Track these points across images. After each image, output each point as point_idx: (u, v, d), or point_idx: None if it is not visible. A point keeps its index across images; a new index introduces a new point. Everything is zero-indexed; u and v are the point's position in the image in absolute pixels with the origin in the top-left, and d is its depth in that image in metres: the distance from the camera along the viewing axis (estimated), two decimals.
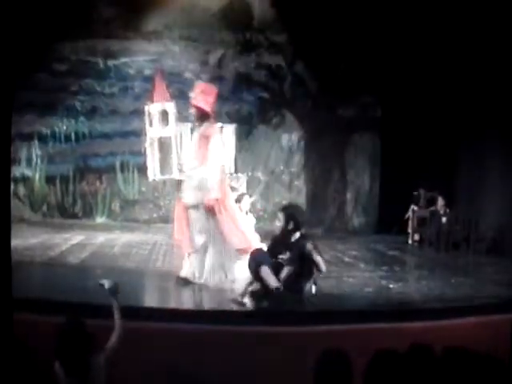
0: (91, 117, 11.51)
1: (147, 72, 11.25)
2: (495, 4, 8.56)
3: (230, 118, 11.20)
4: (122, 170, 11.45)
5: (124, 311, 3.82)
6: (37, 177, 11.34)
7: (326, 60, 11.42)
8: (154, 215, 11.40)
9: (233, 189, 9.55)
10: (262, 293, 5.45)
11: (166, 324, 4.87)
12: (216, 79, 11.22)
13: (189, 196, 6.17)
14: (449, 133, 10.46)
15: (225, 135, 9.92)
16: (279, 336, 4.89)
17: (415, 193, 10.41)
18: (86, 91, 11.46)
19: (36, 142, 11.30)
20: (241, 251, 6.10)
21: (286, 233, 5.53)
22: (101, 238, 9.39)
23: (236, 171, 10.00)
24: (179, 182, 6.32)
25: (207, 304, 5.89)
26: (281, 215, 5.57)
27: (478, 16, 8.99)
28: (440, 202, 10.13)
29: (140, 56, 11.53)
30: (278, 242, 5.63)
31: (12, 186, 9.97)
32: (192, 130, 6.37)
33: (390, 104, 11.22)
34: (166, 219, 10.38)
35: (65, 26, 10.58)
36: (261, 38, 11.77)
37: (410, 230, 10.42)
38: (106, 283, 3.79)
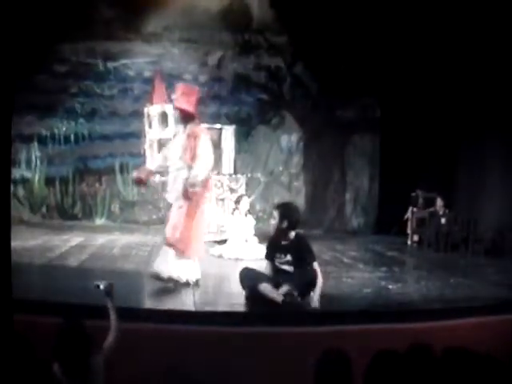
0: (91, 118, 11.52)
1: (147, 74, 11.28)
2: (495, 4, 8.57)
3: (230, 120, 11.23)
4: (122, 172, 11.45)
5: (123, 312, 3.82)
6: (36, 178, 11.34)
7: (326, 61, 11.44)
8: (154, 216, 11.38)
9: (232, 190, 9.60)
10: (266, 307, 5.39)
11: (165, 325, 4.87)
12: (215, 80, 11.26)
13: (173, 196, 6.09)
14: (448, 134, 10.48)
15: (223, 136, 9.98)
16: (279, 336, 4.89)
17: (413, 194, 10.42)
18: (86, 93, 11.48)
19: (36, 143, 11.30)
20: (168, 242, 5.96)
21: (280, 231, 5.54)
22: (100, 239, 9.37)
23: (235, 172, 10.03)
24: (165, 183, 6.17)
25: (207, 305, 5.88)
26: (275, 213, 5.59)
27: (478, 16, 9.01)
28: (439, 202, 10.13)
29: (140, 58, 11.55)
30: (275, 244, 5.63)
31: (11, 188, 9.96)
32: (177, 132, 6.29)
33: (389, 105, 11.25)
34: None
35: (65, 28, 10.61)
36: (260, 40, 11.78)
37: (409, 231, 10.43)
38: (101, 284, 3.79)
